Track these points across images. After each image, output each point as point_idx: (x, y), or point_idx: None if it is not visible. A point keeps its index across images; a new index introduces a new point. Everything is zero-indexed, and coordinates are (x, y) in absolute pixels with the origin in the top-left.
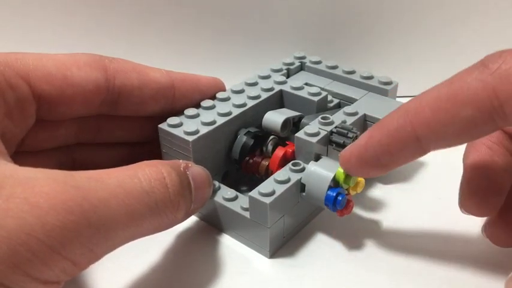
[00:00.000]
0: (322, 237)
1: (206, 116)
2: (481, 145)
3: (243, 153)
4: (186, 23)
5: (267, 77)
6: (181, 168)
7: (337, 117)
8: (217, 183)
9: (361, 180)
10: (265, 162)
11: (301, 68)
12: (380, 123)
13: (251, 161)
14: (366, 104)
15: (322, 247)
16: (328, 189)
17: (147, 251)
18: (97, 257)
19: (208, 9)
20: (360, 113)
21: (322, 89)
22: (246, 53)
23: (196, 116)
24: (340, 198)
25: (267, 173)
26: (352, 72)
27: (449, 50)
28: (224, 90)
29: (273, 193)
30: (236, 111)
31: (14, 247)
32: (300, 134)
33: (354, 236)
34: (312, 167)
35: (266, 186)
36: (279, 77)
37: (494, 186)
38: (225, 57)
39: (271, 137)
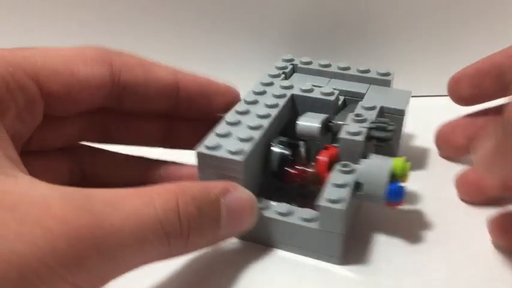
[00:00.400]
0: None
1: (239, 131)
2: None
3: (282, 164)
4: (179, 24)
5: (271, 84)
6: (213, 195)
7: (363, 113)
8: (263, 200)
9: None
10: (310, 169)
11: (294, 70)
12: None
13: (292, 170)
14: (376, 97)
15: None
16: (388, 184)
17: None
18: (103, 282)
19: (203, 11)
20: (378, 106)
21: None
22: (236, 56)
23: (228, 133)
24: (402, 190)
25: (315, 180)
26: (347, 68)
27: (448, 49)
28: (238, 100)
29: (342, 198)
30: (265, 123)
31: (24, 274)
32: (343, 135)
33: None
34: (368, 165)
35: (330, 192)
36: (284, 82)
37: None
38: (221, 59)
39: (302, 142)
